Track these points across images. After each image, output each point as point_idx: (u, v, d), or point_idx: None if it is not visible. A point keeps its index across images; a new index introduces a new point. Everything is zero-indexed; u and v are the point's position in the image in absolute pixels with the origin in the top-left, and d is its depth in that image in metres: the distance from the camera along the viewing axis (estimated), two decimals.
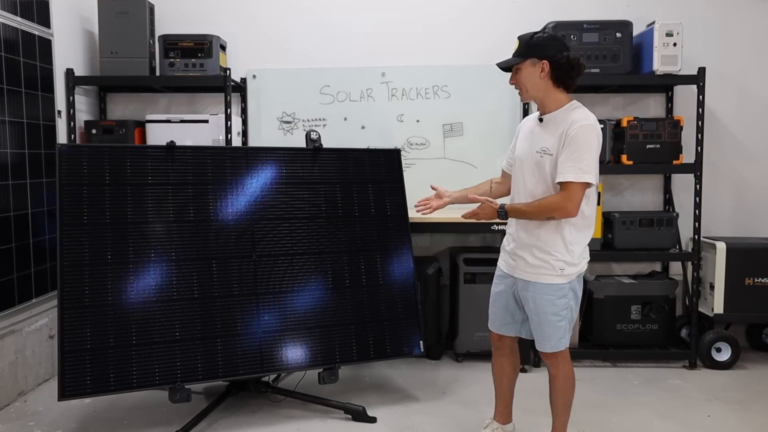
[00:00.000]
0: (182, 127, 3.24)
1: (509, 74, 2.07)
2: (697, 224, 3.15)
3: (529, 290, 2.06)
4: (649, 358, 3.22)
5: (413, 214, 2.92)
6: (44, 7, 2.97)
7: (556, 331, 2.03)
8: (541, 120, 2.04)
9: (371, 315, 2.68)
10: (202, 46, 3.25)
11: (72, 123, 3.23)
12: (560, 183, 1.93)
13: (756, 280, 3.16)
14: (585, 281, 3.31)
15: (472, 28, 3.52)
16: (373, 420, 2.53)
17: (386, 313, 2.71)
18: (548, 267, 2.01)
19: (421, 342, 2.74)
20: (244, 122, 3.54)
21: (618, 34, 3.13)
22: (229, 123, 3.23)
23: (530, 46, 1.98)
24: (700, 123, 3.11)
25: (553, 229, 1.99)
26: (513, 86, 2.06)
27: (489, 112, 3.47)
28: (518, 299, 2.13)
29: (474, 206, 2.08)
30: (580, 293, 2.09)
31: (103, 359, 2.29)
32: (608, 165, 3.21)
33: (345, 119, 3.52)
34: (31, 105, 2.87)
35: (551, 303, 2.02)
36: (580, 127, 1.91)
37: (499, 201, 2.09)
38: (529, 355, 3.12)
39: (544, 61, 1.95)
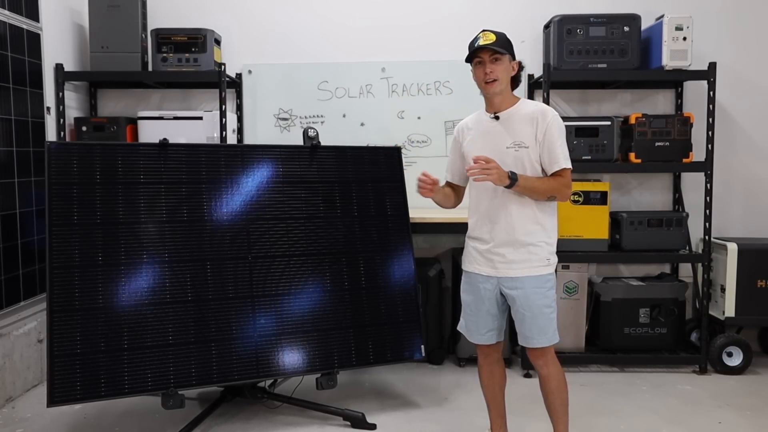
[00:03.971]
0: (175, 124, 3.22)
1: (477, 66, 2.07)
2: (707, 224, 3.12)
3: (517, 287, 2.05)
4: (657, 363, 3.19)
5: (414, 214, 2.91)
6: (33, 0, 2.94)
7: (551, 323, 2.06)
8: (497, 118, 2.08)
9: (371, 318, 2.66)
10: (195, 41, 3.24)
11: (61, 120, 3.22)
12: (555, 171, 2.03)
13: None
14: (592, 283, 3.27)
15: (475, 22, 3.44)
16: (372, 427, 2.51)
17: (386, 316, 2.68)
18: (535, 259, 2.04)
19: (422, 346, 2.72)
20: (240, 119, 3.54)
21: (626, 28, 3.11)
22: (224, 120, 3.21)
23: (509, 44, 2.07)
24: (710, 120, 3.08)
25: (531, 221, 2.04)
26: (487, 76, 2.01)
27: None
28: (500, 302, 2.11)
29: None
30: None
31: (94, 364, 2.27)
32: (616, 163, 3.16)
33: (344, 116, 3.50)
34: (20, 101, 2.86)
35: (543, 296, 2.05)
36: (554, 116, 2.05)
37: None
38: None
39: (516, 62, 2.09)
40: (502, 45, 2.01)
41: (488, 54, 2.01)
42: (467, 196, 2.22)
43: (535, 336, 2.05)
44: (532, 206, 2.04)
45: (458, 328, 2.24)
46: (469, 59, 2.06)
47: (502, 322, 2.16)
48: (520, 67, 2.11)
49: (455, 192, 2.25)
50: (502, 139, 2.05)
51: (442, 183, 2.21)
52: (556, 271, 2.11)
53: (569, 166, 2.03)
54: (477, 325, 2.15)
